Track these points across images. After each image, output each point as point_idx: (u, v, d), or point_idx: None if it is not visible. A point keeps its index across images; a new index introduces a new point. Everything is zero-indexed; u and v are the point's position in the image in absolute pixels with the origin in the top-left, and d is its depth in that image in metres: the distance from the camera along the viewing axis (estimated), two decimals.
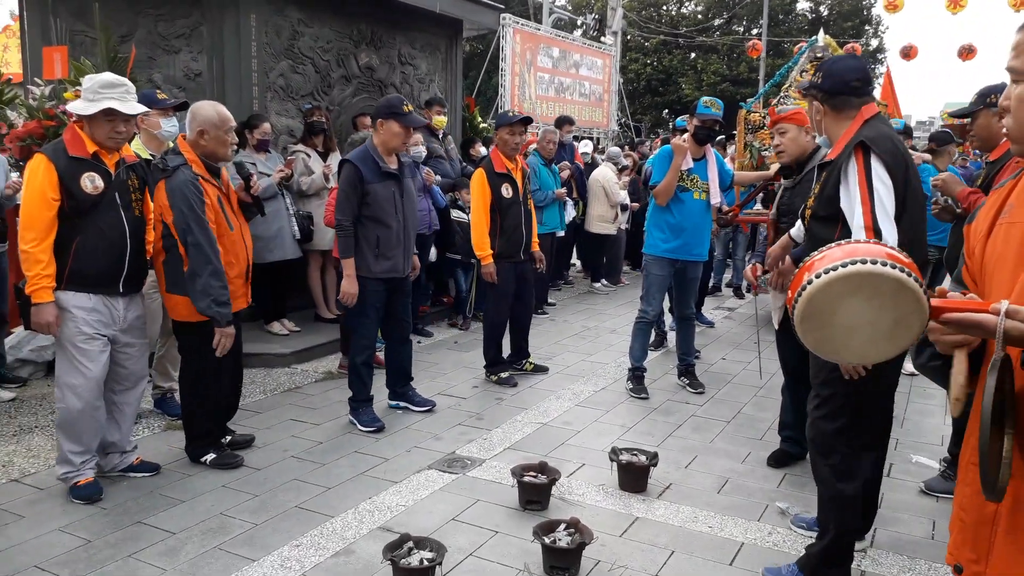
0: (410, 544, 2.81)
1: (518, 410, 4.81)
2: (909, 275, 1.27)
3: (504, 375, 5.37)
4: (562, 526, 2.98)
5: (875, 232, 2.45)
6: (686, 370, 5.37)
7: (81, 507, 3.37)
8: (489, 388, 5.26)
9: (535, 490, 3.43)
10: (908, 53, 19.83)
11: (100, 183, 3.35)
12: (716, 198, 5.09)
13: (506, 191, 5.20)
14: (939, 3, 17.66)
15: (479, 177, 5.20)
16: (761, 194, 6.86)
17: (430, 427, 4.47)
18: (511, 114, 5.39)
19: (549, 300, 8.21)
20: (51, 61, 5.59)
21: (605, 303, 8.55)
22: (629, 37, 28.30)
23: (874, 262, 1.27)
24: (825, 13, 29.53)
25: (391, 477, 3.75)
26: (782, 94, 7.51)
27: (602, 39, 23.53)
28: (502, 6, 9.99)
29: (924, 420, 4.75)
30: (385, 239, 4.35)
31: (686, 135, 5.11)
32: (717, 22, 31.31)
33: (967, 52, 19.11)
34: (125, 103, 3.36)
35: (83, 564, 2.90)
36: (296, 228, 5.98)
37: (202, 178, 3.60)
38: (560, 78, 17.26)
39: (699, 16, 31.37)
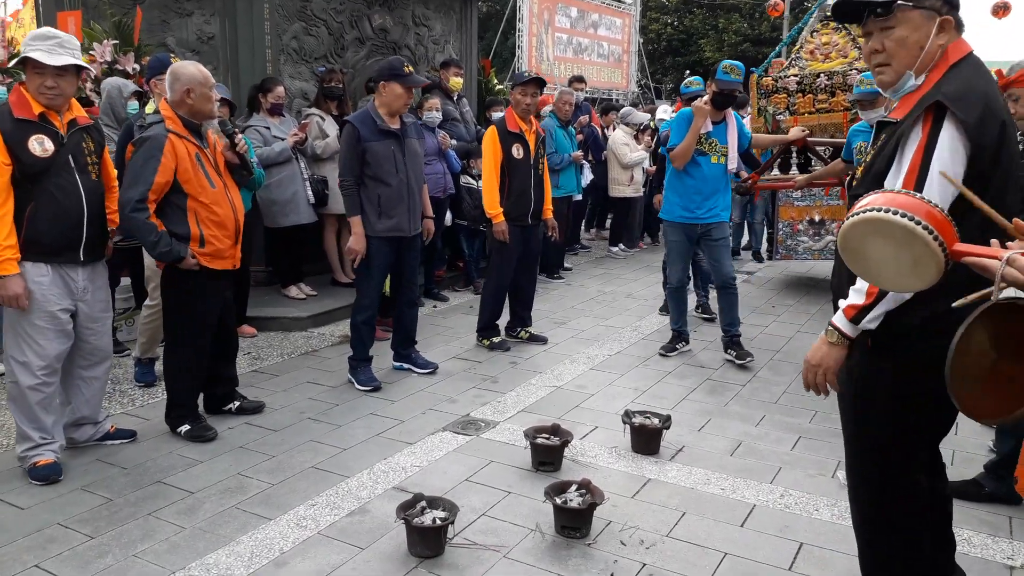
0: (423, 504, 2.85)
1: (532, 373, 4.82)
2: (918, 223, 1.49)
3: (496, 340, 5.35)
4: (573, 487, 3.00)
5: None
6: (731, 341, 5.09)
7: (103, 467, 3.44)
8: (504, 353, 5.27)
9: (547, 452, 3.45)
10: None
11: (50, 145, 3.18)
12: (734, 163, 5.00)
13: (516, 151, 5.14)
14: None
15: (491, 135, 5.14)
16: (779, 160, 6.75)
17: (445, 390, 4.50)
18: (526, 74, 5.32)
19: (565, 264, 8.18)
20: (65, 26, 5.58)
21: (622, 267, 8.50)
22: None
23: (887, 211, 1.53)
24: None
25: (406, 439, 3.79)
26: (794, 55, 7.26)
27: None
28: None
29: None
30: (387, 197, 4.36)
31: (706, 97, 5.01)
32: None
33: (1002, 9, 18.49)
34: (52, 55, 3.11)
35: (104, 522, 2.97)
36: (310, 192, 5.99)
37: (177, 135, 3.56)
38: (578, 39, 17.01)
39: None
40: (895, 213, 1.52)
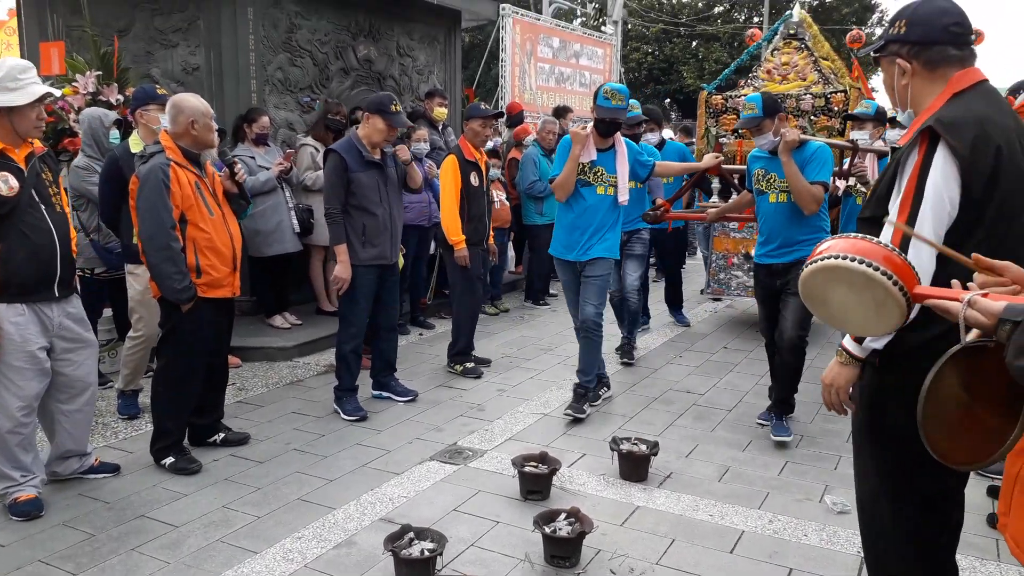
0: (411, 535, 2.82)
1: (520, 401, 4.81)
2: (876, 269, 1.50)
3: (469, 365, 5.38)
4: (562, 515, 2.99)
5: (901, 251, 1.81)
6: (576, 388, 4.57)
7: (86, 501, 3.39)
8: (491, 380, 5.26)
9: (536, 480, 3.44)
10: None
11: (15, 183, 3.10)
12: (624, 194, 4.43)
13: (474, 179, 5.29)
14: None
15: (451, 163, 5.23)
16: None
17: (431, 419, 4.48)
18: (483, 107, 5.48)
19: (551, 291, 8.20)
20: (48, 57, 5.59)
21: None
22: (630, 26, 28.15)
23: (844, 257, 1.54)
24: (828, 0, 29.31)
25: (393, 469, 3.77)
26: (751, 74, 7.14)
27: (603, 28, 23.44)
28: None
29: None
30: (371, 227, 4.43)
31: (590, 124, 4.47)
32: (718, 10, 31.14)
33: (976, 37, 18.97)
34: (43, 86, 3.16)
35: (87, 558, 2.92)
36: (295, 221, 5.99)
37: (177, 164, 3.59)
38: (560, 68, 17.19)
39: (700, 4, 31.21)
40: (853, 260, 1.53)
